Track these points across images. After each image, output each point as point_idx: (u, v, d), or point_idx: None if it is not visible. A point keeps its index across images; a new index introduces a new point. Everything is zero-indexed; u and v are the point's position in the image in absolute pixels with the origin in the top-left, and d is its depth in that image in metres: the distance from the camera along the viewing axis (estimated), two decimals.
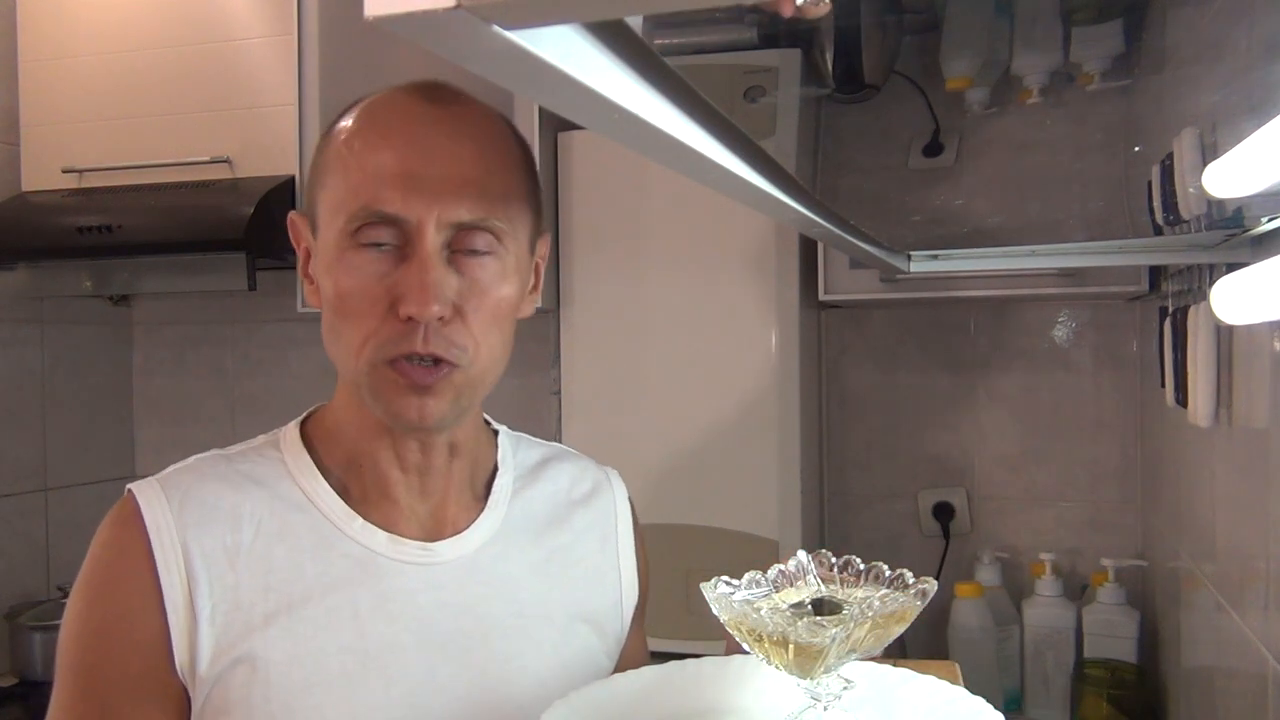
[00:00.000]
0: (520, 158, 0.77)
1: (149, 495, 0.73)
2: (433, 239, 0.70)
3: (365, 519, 0.77)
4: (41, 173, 1.97)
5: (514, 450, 0.88)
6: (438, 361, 0.71)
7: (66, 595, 0.75)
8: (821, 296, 1.59)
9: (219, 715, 0.70)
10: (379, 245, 0.71)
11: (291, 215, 0.79)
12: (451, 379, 0.72)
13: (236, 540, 0.73)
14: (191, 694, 0.71)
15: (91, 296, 2.13)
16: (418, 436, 0.77)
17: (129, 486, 0.74)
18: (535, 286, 0.82)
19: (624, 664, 0.89)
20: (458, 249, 0.72)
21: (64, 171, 1.94)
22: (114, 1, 1.96)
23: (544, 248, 0.82)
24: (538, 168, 0.81)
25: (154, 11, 1.94)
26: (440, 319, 0.70)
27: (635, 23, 0.35)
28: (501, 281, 0.74)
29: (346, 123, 0.74)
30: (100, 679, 0.71)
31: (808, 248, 1.58)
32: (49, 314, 2.06)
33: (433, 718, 0.74)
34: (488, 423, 0.88)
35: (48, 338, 2.06)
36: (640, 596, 0.92)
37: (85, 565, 0.74)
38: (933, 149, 1.72)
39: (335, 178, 0.73)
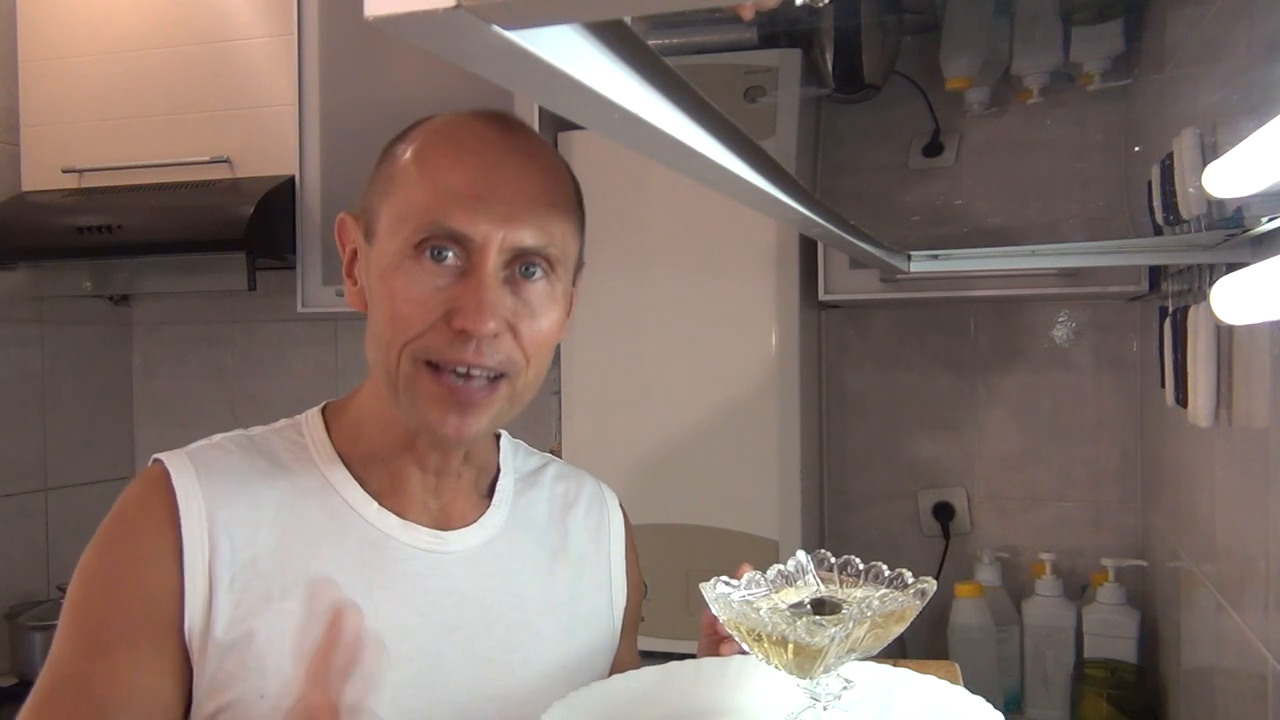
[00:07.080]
0: (574, 192, 0.81)
1: (177, 463, 0.76)
2: (494, 260, 0.73)
3: (380, 505, 0.80)
4: (41, 173, 1.97)
5: (514, 454, 0.92)
6: (493, 378, 0.74)
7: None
8: (821, 296, 1.59)
9: (231, 681, 0.72)
10: (440, 259, 0.73)
11: (342, 215, 0.82)
12: (498, 390, 0.75)
13: (257, 517, 0.75)
14: (196, 660, 0.72)
15: (91, 296, 2.14)
16: (442, 448, 0.79)
17: (156, 456, 0.77)
18: (568, 313, 0.84)
19: (615, 671, 0.90)
20: (514, 271, 0.75)
21: (64, 171, 1.94)
22: (114, 1, 1.96)
23: (580, 279, 0.85)
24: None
25: (154, 11, 1.95)
26: (493, 335, 0.73)
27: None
28: (551, 305, 0.77)
29: (416, 139, 0.77)
30: (102, 620, 0.72)
31: (808, 248, 1.58)
32: (49, 314, 2.06)
33: (438, 699, 0.77)
34: None
35: (48, 338, 2.06)
36: (630, 602, 0.94)
37: (106, 520, 0.75)
38: (933, 149, 1.72)
39: (403, 190, 0.75)
